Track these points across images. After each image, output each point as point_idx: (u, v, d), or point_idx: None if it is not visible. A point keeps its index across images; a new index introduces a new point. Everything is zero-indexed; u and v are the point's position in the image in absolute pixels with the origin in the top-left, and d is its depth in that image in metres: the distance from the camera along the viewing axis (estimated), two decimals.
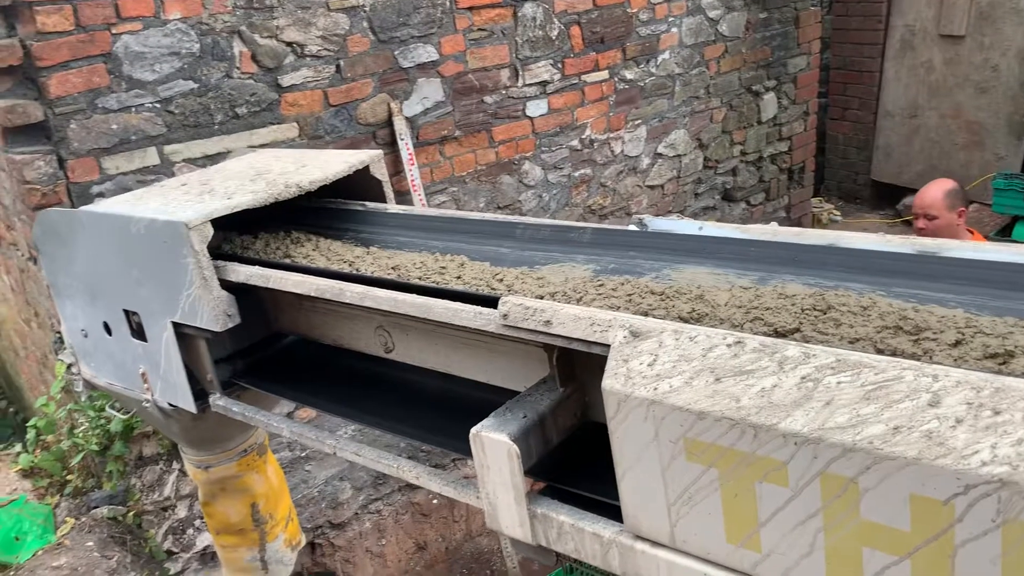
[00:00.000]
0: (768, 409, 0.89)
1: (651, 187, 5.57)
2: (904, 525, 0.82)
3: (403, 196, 4.10)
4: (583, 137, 5.05)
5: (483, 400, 1.49)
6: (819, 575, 0.92)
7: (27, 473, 3.49)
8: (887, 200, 8.21)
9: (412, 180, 4.14)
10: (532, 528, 1.29)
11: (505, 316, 1.28)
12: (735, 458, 0.93)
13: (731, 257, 1.32)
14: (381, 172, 2.16)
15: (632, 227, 1.55)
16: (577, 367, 1.38)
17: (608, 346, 1.11)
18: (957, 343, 0.93)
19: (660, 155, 5.55)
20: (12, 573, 2.95)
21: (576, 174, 5.09)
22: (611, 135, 5.21)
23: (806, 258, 1.24)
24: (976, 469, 0.75)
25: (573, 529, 1.24)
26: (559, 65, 4.80)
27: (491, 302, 1.34)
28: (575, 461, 1.36)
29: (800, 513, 0.90)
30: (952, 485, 0.77)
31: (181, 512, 3.52)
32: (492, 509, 1.33)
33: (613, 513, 1.21)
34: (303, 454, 4.21)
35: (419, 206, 4.14)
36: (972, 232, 3.97)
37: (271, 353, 2.22)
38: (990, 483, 0.74)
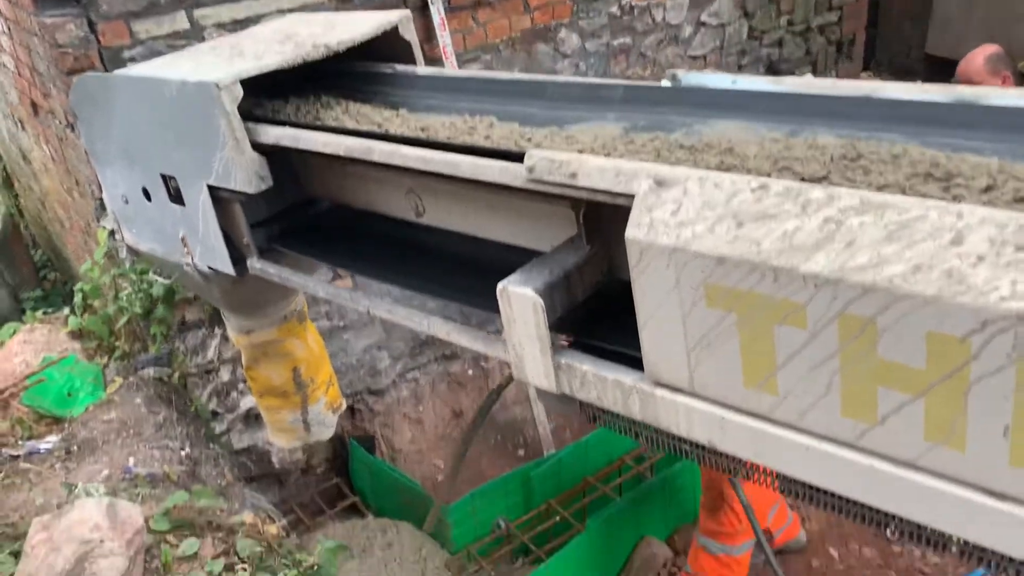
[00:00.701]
0: (789, 252, 0.89)
1: (693, 58, 5.38)
2: (920, 363, 0.82)
3: (434, 64, 4.02)
4: (623, 3, 4.86)
5: (513, 262, 1.51)
6: (834, 416, 0.94)
7: (76, 335, 3.62)
8: (941, 76, 7.82)
9: (444, 47, 4.04)
10: (557, 378, 1.33)
11: (531, 170, 1.28)
12: (754, 302, 0.94)
13: (763, 111, 1.29)
14: (410, 33, 2.11)
15: (665, 82, 1.52)
16: (603, 224, 1.38)
17: (633, 196, 1.11)
18: (988, 188, 0.91)
19: (703, 24, 5.34)
20: (67, 424, 3.13)
21: (615, 43, 4.93)
22: (652, 1, 5.00)
23: (840, 109, 1.21)
24: (995, 305, 0.75)
25: (596, 378, 1.27)
26: None
27: (518, 158, 1.33)
28: (601, 317, 1.39)
29: (817, 355, 0.91)
30: (970, 321, 0.77)
31: (224, 376, 3.65)
32: (519, 360, 1.36)
33: (635, 366, 1.24)
34: (341, 324, 4.31)
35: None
36: None
37: (305, 219, 2.26)
38: (1007, 318, 0.74)
